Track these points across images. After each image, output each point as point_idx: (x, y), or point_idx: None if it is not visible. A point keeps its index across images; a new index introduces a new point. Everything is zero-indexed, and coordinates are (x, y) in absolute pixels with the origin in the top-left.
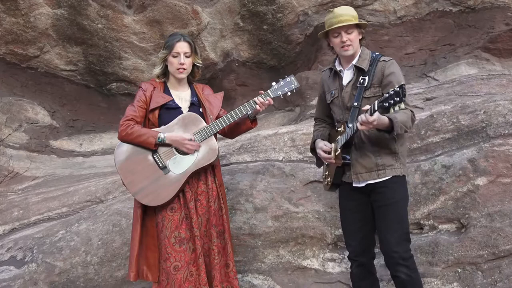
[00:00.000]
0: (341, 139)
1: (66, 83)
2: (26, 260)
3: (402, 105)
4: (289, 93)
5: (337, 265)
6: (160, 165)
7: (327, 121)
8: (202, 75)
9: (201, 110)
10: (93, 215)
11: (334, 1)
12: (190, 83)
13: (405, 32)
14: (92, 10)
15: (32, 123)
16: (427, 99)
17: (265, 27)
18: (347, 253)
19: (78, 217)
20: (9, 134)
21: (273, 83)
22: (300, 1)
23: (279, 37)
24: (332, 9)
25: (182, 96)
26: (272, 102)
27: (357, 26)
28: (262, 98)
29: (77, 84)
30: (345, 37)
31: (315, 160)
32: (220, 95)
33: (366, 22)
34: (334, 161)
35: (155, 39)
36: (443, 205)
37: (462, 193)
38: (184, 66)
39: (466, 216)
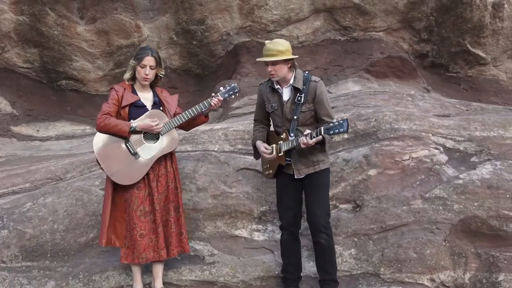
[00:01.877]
0: (285, 145)
1: (22, 78)
2: None
3: (345, 135)
4: (233, 96)
5: (261, 234)
6: (132, 151)
7: (265, 123)
8: None
9: (161, 108)
10: (57, 190)
11: (252, 26)
12: (152, 87)
13: (305, 54)
14: (50, 19)
15: None
16: None
17: (194, 42)
18: (269, 225)
19: (43, 192)
20: None
21: (221, 88)
22: (224, 23)
23: (205, 51)
24: (266, 42)
25: (146, 97)
26: (221, 101)
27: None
28: (216, 98)
29: (32, 80)
30: (270, 68)
31: (245, 151)
32: (176, 96)
33: (291, 57)
34: (276, 157)
35: (102, 46)
36: (343, 189)
37: (358, 180)
38: (148, 77)
39: (361, 198)
